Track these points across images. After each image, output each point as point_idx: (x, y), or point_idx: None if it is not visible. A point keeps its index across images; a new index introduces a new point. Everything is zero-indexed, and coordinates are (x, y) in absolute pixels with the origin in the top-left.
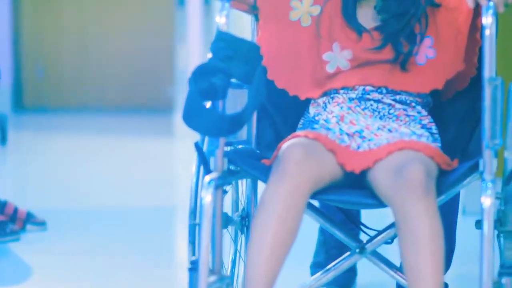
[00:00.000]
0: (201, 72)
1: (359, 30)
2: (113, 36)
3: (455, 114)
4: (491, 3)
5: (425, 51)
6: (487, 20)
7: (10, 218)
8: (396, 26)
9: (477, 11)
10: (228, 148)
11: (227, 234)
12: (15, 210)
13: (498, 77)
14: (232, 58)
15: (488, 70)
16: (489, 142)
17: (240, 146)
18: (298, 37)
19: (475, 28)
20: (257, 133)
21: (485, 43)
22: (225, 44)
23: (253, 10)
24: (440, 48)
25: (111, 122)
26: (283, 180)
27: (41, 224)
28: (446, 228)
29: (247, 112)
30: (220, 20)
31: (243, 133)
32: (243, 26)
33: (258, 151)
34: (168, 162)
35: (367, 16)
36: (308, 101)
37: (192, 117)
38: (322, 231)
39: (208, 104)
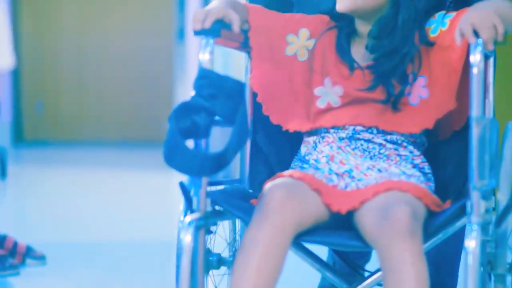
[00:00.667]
0: (183, 110)
1: (352, 66)
2: (112, 72)
3: (452, 154)
4: (480, 41)
5: (419, 91)
6: (475, 58)
7: (10, 252)
8: (388, 66)
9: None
10: (213, 188)
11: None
12: (15, 244)
13: (487, 116)
14: (216, 96)
15: (476, 109)
16: (476, 183)
17: (220, 186)
18: (294, 71)
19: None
20: (250, 171)
21: (473, 81)
22: (208, 82)
23: (245, 48)
24: (434, 87)
25: (110, 155)
26: (264, 221)
27: (41, 258)
28: (448, 268)
29: (230, 151)
30: (203, 56)
31: (236, 172)
32: None
33: (251, 191)
34: (167, 196)
35: (360, 53)
36: (301, 139)
37: (173, 156)
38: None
39: (190, 143)
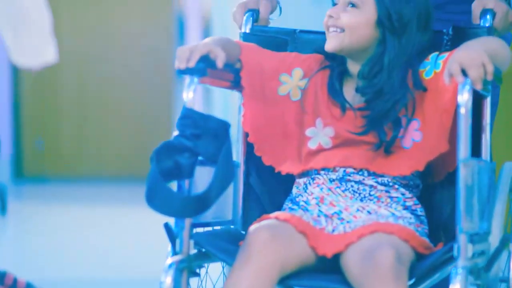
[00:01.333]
0: (165, 151)
1: (343, 106)
2: (112, 108)
3: (447, 196)
4: (468, 80)
5: (412, 134)
6: (463, 97)
7: None
8: (380, 110)
9: None
10: (202, 229)
11: None
12: (15, 281)
13: (474, 158)
14: (200, 136)
15: (463, 150)
16: (464, 226)
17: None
18: (286, 111)
19: None
20: (243, 212)
21: (460, 122)
22: (191, 122)
23: (236, 87)
24: (427, 130)
25: (111, 191)
26: (247, 262)
27: None
28: None
29: (213, 192)
30: (187, 95)
31: (228, 213)
32: None
33: (243, 232)
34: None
35: (352, 93)
36: (294, 180)
37: (154, 198)
38: None
39: (173, 185)
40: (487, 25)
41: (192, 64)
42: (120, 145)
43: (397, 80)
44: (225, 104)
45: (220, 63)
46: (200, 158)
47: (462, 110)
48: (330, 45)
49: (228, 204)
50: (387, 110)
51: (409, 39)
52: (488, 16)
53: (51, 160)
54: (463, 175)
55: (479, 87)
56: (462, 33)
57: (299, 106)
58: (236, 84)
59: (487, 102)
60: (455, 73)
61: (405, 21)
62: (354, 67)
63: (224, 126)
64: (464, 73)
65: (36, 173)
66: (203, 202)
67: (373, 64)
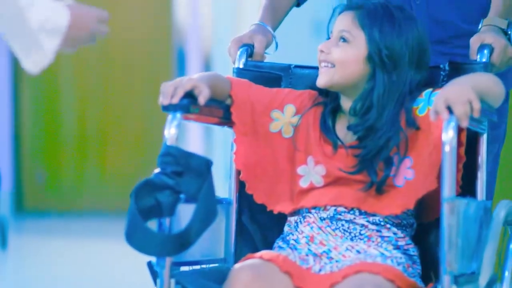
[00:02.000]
0: (146, 188)
1: (335, 144)
2: (113, 142)
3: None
4: (453, 117)
5: (404, 173)
6: (447, 135)
7: None
8: (371, 149)
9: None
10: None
11: None
12: None
13: (459, 198)
14: (181, 173)
15: (448, 189)
16: (447, 266)
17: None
18: (278, 149)
19: (459, 143)
20: (235, 251)
21: (444, 160)
22: (172, 159)
23: (227, 123)
24: (419, 168)
25: (112, 226)
26: None
27: None
28: None
29: (194, 231)
30: (169, 132)
31: (220, 251)
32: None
33: None
34: None
35: (345, 130)
36: (286, 218)
37: (133, 236)
38: None
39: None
40: (484, 60)
41: (175, 100)
42: (120, 179)
43: (389, 117)
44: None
45: (202, 100)
46: (182, 195)
47: (447, 148)
48: (320, 81)
49: (220, 242)
50: (379, 149)
51: (400, 76)
52: (485, 51)
53: (51, 194)
54: (447, 214)
55: (464, 124)
56: (459, 68)
57: (291, 143)
58: (226, 120)
59: (484, 140)
60: (440, 109)
61: (396, 58)
62: (346, 104)
63: (206, 164)
64: (450, 110)
65: (37, 207)
66: (183, 240)
67: (364, 100)
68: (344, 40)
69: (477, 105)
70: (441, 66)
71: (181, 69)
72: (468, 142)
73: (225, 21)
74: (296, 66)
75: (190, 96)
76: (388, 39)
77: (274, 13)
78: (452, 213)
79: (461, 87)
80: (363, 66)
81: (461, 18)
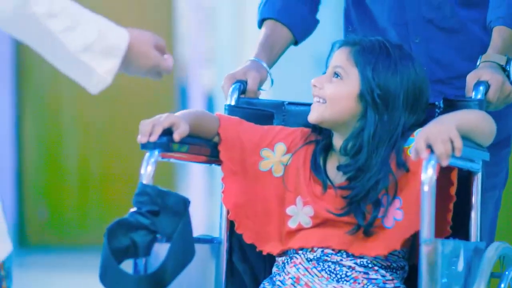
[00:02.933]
0: (120, 228)
1: (325, 184)
2: (115, 178)
3: None
4: (433, 156)
5: (393, 213)
6: (426, 174)
7: None
8: (360, 190)
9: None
10: None
11: None
12: None
13: (438, 239)
14: (158, 213)
15: (426, 230)
16: None
17: None
18: (268, 188)
19: (449, 182)
20: None
21: (423, 200)
22: (148, 198)
23: (214, 162)
24: (408, 208)
25: None
26: None
27: None
28: None
29: (169, 271)
30: (145, 170)
31: None
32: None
33: None
34: None
35: (335, 169)
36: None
37: (106, 277)
38: None
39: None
40: (478, 97)
41: (153, 138)
42: (123, 214)
43: (379, 159)
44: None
45: (176, 137)
46: (158, 235)
47: (425, 188)
48: (311, 116)
49: (210, 282)
50: (367, 191)
51: (392, 117)
52: (481, 88)
53: (54, 229)
54: (424, 256)
55: (445, 163)
56: (453, 105)
57: (281, 182)
58: (214, 159)
59: (478, 179)
60: (420, 148)
61: (389, 98)
62: (338, 142)
63: (183, 203)
64: (430, 148)
65: (40, 243)
66: (157, 281)
67: (355, 140)
68: (338, 76)
69: (458, 144)
70: (436, 103)
71: (184, 107)
72: (464, 181)
73: (227, 58)
74: (290, 103)
75: (170, 133)
76: (381, 79)
77: (270, 49)
78: (430, 255)
79: (443, 125)
80: (355, 104)
81: (461, 58)
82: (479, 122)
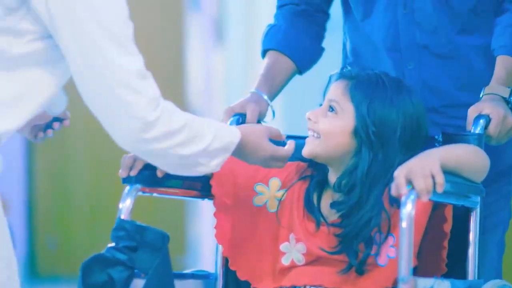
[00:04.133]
0: (97, 264)
1: (318, 221)
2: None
3: None
4: (413, 192)
5: (387, 251)
6: (405, 210)
7: None
8: (352, 228)
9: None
10: None
11: None
12: None
13: (416, 277)
14: (136, 248)
15: (404, 267)
16: None
17: None
18: (262, 223)
19: (443, 219)
20: None
21: (401, 236)
22: (125, 234)
23: (206, 196)
24: None
25: None
26: None
27: None
28: None
29: None
30: (123, 205)
31: None
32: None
33: None
34: None
35: (329, 206)
36: None
37: None
38: None
39: None
40: (477, 131)
41: (134, 172)
42: None
43: (372, 197)
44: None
45: (159, 173)
46: (137, 271)
47: (403, 224)
48: (304, 150)
49: None
50: (360, 229)
51: (387, 156)
52: (481, 122)
53: (64, 260)
54: None
55: (425, 199)
56: (452, 139)
57: (275, 218)
58: (206, 193)
59: (475, 215)
60: (400, 184)
61: (384, 136)
62: (333, 178)
63: (162, 238)
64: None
65: (50, 273)
66: None
67: (349, 177)
68: (333, 110)
69: (440, 179)
70: (436, 137)
71: None
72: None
73: (237, 93)
74: (289, 136)
75: (152, 168)
76: (377, 115)
77: (272, 80)
78: None
79: (426, 159)
80: (349, 140)
81: (456, 87)
82: (468, 157)
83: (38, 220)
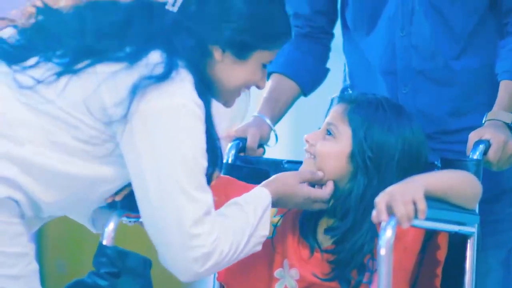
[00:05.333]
0: None
1: (312, 248)
2: (132, 235)
3: None
4: (393, 218)
5: None
6: (384, 237)
7: None
8: (345, 255)
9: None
10: None
11: None
12: None
13: None
14: (118, 274)
15: None
16: None
17: None
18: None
19: (437, 246)
20: None
21: (379, 264)
22: (107, 260)
23: None
24: (395, 271)
25: None
26: None
27: None
28: None
29: None
30: (107, 230)
31: None
32: None
33: None
34: None
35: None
36: None
37: None
38: None
39: None
40: (475, 157)
41: (119, 197)
42: None
43: (365, 223)
44: None
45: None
46: None
47: (382, 251)
48: (300, 170)
49: None
50: (353, 255)
51: (382, 182)
52: (480, 147)
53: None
54: None
55: (405, 226)
56: (450, 165)
57: (270, 244)
58: None
59: (471, 243)
60: (380, 210)
61: (381, 161)
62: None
63: (143, 263)
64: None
65: None
66: None
67: (343, 202)
68: (330, 133)
69: (421, 206)
70: (436, 162)
71: None
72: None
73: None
74: (289, 162)
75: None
76: (374, 140)
77: (275, 104)
78: None
79: (409, 186)
80: (345, 164)
81: (449, 113)
82: (456, 184)
83: (48, 243)
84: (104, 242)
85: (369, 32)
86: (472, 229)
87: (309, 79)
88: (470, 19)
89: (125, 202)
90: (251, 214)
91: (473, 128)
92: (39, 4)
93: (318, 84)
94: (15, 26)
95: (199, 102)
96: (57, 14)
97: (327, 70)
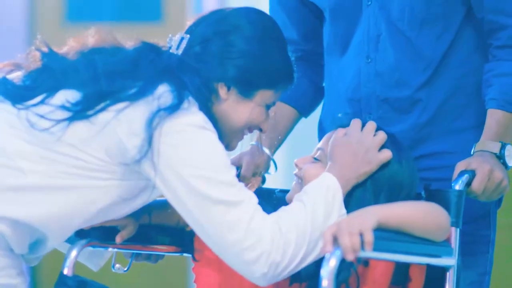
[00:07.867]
0: None
1: (292, 278)
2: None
3: None
4: (338, 250)
5: None
6: (327, 268)
7: None
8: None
9: None
10: None
11: None
12: None
13: None
14: None
15: None
16: None
17: None
18: (245, 280)
19: (408, 278)
20: None
21: None
22: None
23: (186, 252)
24: None
25: None
26: None
27: None
28: None
29: None
30: (69, 259)
31: None
32: None
33: None
34: None
35: None
36: None
37: None
38: None
39: None
40: (457, 187)
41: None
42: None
43: None
44: None
45: (118, 239)
46: None
47: (324, 283)
48: (288, 195)
49: None
50: None
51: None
52: (464, 177)
53: None
54: None
55: (349, 257)
56: (433, 196)
57: None
58: (186, 248)
59: (451, 275)
60: (326, 240)
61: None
62: None
63: None
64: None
65: None
66: None
67: None
68: (316, 159)
69: (368, 238)
70: (422, 193)
71: None
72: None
73: None
74: (281, 191)
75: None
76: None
77: (272, 130)
78: None
79: (359, 216)
80: None
81: (415, 140)
82: (415, 216)
83: (43, 278)
84: (65, 272)
85: (340, 58)
86: (450, 262)
87: (306, 102)
88: (440, 43)
89: (92, 231)
90: (310, 205)
91: (438, 153)
92: (44, 49)
93: (316, 105)
94: (20, 68)
95: (212, 128)
96: (62, 59)
97: (324, 89)
